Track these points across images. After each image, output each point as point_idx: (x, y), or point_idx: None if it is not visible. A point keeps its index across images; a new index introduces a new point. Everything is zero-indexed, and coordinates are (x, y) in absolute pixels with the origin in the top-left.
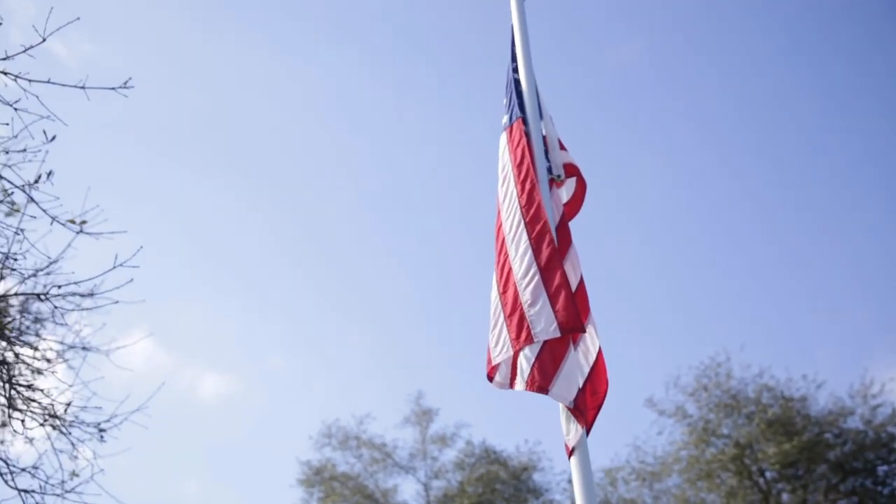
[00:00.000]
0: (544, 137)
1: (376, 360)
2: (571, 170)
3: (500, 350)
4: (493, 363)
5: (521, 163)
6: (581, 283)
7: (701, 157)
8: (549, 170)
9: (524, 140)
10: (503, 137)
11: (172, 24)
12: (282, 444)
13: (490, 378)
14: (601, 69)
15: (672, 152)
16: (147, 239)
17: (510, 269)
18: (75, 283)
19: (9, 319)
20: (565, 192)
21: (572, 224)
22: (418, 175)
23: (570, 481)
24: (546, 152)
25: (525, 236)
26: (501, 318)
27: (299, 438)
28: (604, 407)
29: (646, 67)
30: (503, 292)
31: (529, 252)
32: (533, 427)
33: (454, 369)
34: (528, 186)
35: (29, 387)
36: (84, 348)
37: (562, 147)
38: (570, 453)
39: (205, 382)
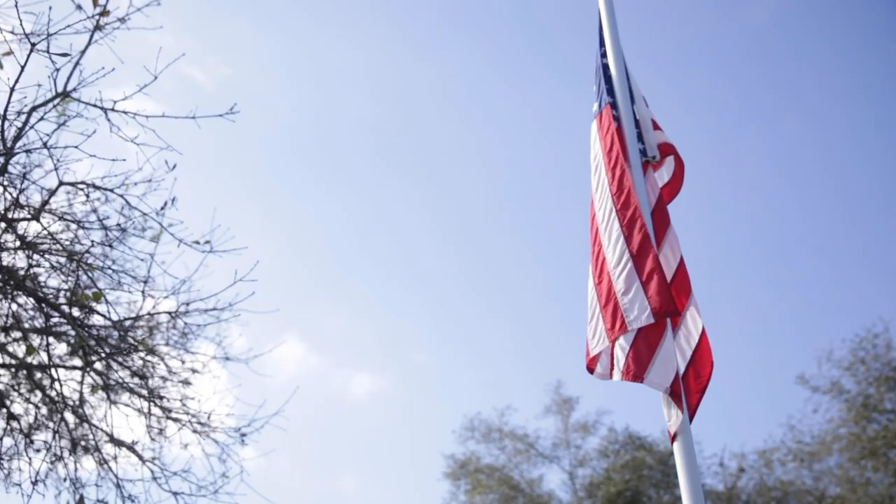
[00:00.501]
0: (637, 120)
1: (515, 352)
2: (667, 149)
3: (598, 341)
4: (592, 355)
5: (611, 149)
6: (681, 265)
7: (837, 120)
8: (644, 152)
9: (613, 125)
10: (594, 125)
11: (298, 33)
12: (429, 438)
13: (590, 370)
14: (728, 31)
15: (807, 116)
16: (283, 250)
17: (604, 258)
18: (212, 296)
19: (142, 337)
20: (665, 171)
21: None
22: (547, 164)
23: (721, 464)
24: (639, 135)
25: (616, 224)
26: (597, 309)
27: (444, 432)
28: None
29: (774, 30)
30: (598, 283)
31: (621, 239)
32: None
33: None
34: (618, 173)
35: (181, 401)
36: (227, 359)
37: (656, 127)
38: (673, 439)
39: (355, 382)
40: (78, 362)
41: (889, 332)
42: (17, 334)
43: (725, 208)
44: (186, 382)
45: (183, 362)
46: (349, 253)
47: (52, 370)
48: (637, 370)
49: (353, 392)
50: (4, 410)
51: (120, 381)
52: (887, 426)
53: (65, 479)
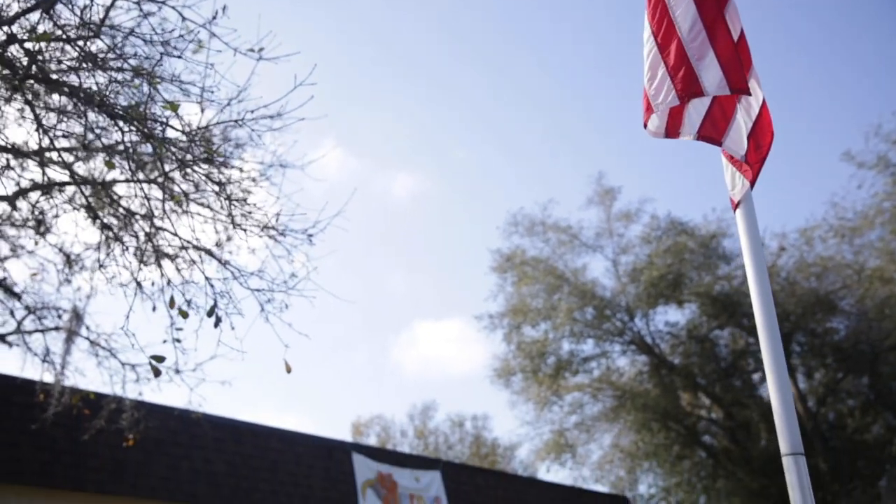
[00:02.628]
0: None
1: (555, 145)
2: None
3: (664, 99)
4: (654, 110)
5: None
6: (742, 35)
7: None
8: None
9: None
10: None
11: None
12: (474, 235)
13: (646, 125)
14: None
15: None
16: (319, 57)
17: (670, 21)
18: (264, 106)
19: (214, 147)
20: None
21: None
22: None
23: (761, 244)
24: None
25: None
26: (662, 70)
27: (489, 228)
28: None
29: None
30: (663, 44)
31: (692, 7)
32: (718, 195)
33: (632, 147)
34: None
35: (244, 201)
36: (282, 165)
37: None
38: (736, 207)
39: (397, 183)
40: (152, 175)
41: None
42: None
43: None
44: (247, 192)
45: (241, 171)
46: (381, 52)
47: (130, 184)
48: (715, 134)
49: (395, 194)
50: (98, 221)
51: (197, 188)
52: None
53: (152, 284)
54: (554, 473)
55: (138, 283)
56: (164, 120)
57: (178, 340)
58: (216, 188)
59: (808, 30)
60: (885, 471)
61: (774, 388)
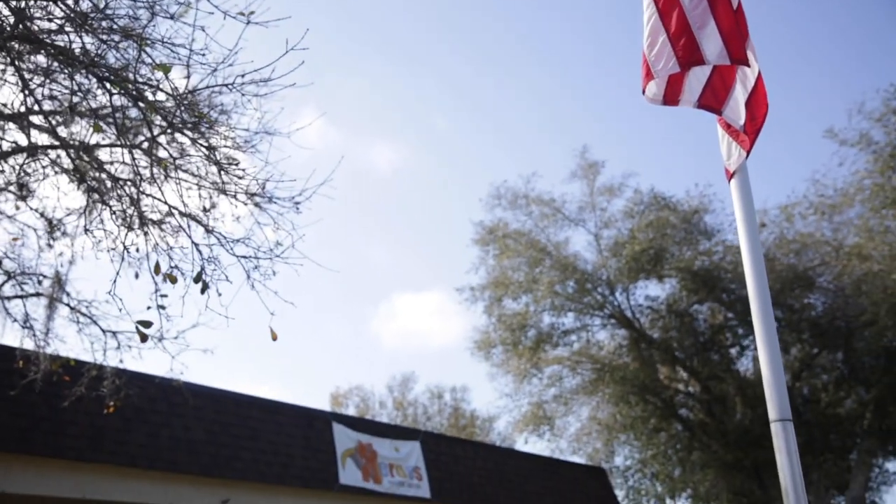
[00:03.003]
0: None
1: (539, 118)
2: None
3: (664, 66)
4: (654, 76)
5: None
6: (740, 5)
7: None
8: None
9: None
10: None
11: None
12: (456, 207)
13: (643, 91)
14: None
15: None
16: (300, 24)
17: None
18: (254, 70)
19: (201, 111)
20: None
21: None
22: None
23: None
24: None
25: None
26: (663, 37)
27: (471, 200)
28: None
29: None
30: (665, 12)
31: None
32: (702, 171)
33: (616, 122)
34: None
35: (235, 163)
36: (267, 133)
37: None
38: (731, 177)
39: (377, 154)
40: (137, 140)
41: None
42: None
43: None
44: (233, 160)
45: (227, 138)
46: (361, 21)
47: (115, 149)
48: (715, 103)
49: (376, 164)
50: (84, 184)
51: (183, 154)
52: None
53: (137, 250)
54: (532, 445)
55: (125, 248)
56: (155, 83)
57: (163, 307)
58: (205, 152)
59: (794, 6)
60: (856, 444)
61: (764, 356)
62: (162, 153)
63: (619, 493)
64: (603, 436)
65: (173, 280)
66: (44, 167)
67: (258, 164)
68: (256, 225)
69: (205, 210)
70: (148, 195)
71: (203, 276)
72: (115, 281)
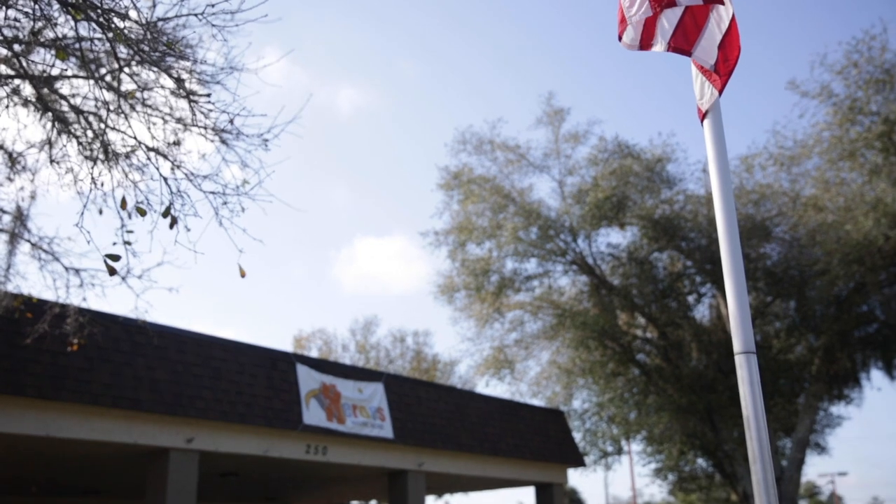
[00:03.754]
0: None
1: (505, 66)
2: None
3: (637, 10)
4: (628, 22)
5: None
6: None
7: None
8: None
9: None
10: None
11: None
12: (421, 152)
13: (620, 37)
14: None
15: None
16: None
17: None
18: (222, 0)
19: (169, 40)
20: None
21: None
22: None
23: (704, 170)
24: None
25: None
26: None
27: (437, 145)
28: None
29: None
30: None
31: None
32: (666, 120)
33: (582, 70)
34: None
35: (203, 96)
36: (233, 69)
37: None
38: (703, 117)
39: (343, 97)
40: (102, 71)
41: (887, 33)
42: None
43: None
44: (201, 93)
45: (192, 72)
46: None
47: (79, 80)
48: (685, 45)
49: (341, 107)
50: (50, 114)
51: (146, 88)
52: (870, 128)
53: (101, 185)
54: (492, 388)
55: (93, 180)
56: (122, 10)
57: (129, 244)
58: (173, 85)
59: None
60: (804, 389)
61: (731, 290)
62: (127, 85)
63: (577, 436)
64: (562, 380)
65: (142, 213)
66: (4, 97)
67: (226, 100)
68: (224, 163)
69: (171, 144)
70: (113, 128)
71: (171, 211)
72: (82, 214)
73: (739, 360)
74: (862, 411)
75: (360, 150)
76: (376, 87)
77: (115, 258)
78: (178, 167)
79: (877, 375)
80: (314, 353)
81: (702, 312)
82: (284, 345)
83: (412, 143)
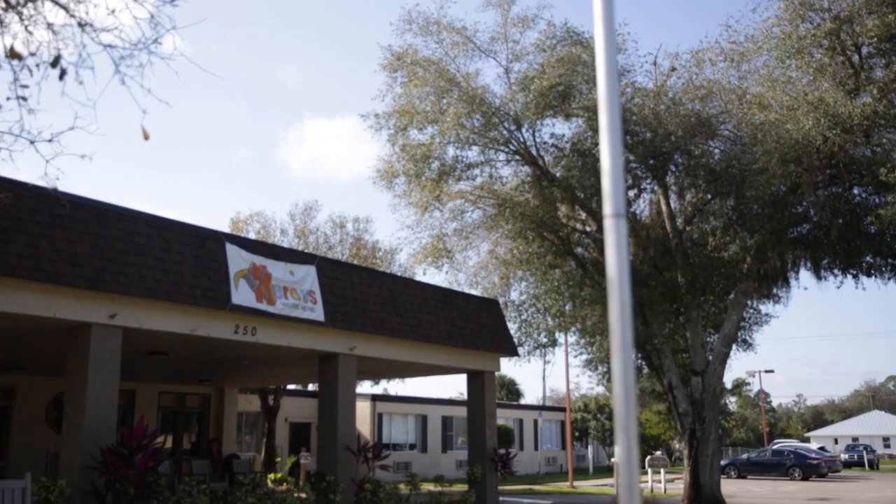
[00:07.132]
0: None
1: None
2: None
3: None
4: None
5: None
6: None
7: None
8: None
9: None
10: None
11: None
12: (373, 30)
13: None
14: None
15: None
16: None
17: None
18: None
19: None
20: None
21: None
22: None
23: (654, 63)
24: None
25: None
26: None
27: (381, 24)
28: None
29: None
30: None
31: None
32: (619, 8)
33: None
34: None
35: None
36: None
37: None
38: None
39: None
40: None
41: None
42: None
43: None
44: None
45: None
46: None
47: None
48: None
49: None
50: None
51: None
52: (819, 25)
53: None
54: (430, 277)
55: None
56: None
57: (24, 98)
58: None
59: None
60: (735, 286)
61: (606, 154)
62: None
63: (513, 327)
64: (500, 270)
65: (16, 56)
66: None
67: None
68: (134, 21)
69: None
70: None
71: (60, 60)
72: None
73: (609, 224)
74: (793, 313)
75: (310, 23)
76: None
77: (17, 55)
78: (72, 15)
79: (805, 276)
80: (252, 237)
81: (641, 208)
82: (222, 227)
83: (366, 19)
